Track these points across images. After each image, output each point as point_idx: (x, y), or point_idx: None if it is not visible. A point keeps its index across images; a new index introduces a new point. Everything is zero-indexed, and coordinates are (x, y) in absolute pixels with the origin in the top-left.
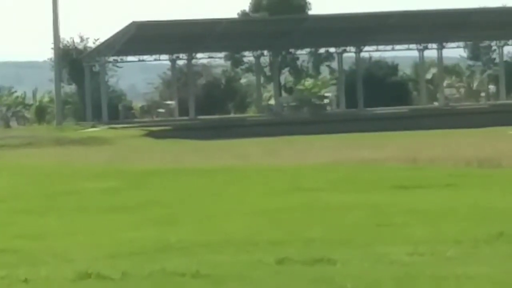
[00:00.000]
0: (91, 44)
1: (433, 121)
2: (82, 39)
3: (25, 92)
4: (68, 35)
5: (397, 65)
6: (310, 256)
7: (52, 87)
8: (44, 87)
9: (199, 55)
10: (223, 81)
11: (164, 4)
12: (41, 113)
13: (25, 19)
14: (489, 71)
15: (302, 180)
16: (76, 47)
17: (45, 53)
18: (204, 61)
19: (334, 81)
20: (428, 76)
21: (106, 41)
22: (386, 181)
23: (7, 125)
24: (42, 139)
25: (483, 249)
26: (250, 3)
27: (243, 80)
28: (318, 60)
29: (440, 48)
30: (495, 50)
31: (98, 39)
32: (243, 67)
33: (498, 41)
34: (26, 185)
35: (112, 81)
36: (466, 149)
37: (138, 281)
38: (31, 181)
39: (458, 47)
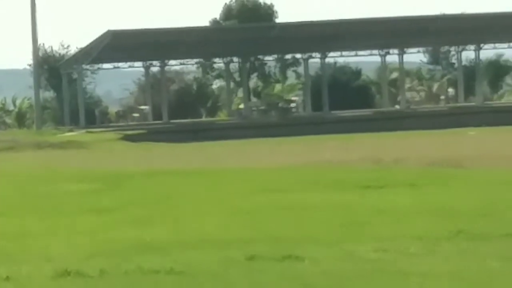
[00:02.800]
0: (73, 52)
1: (395, 123)
2: (63, 47)
3: (5, 98)
4: (48, 43)
5: (360, 70)
6: (279, 253)
7: (31, 93)
8: (23, 93)
9: (171, 62)
10: (195, 86)
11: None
12: (21, 119)
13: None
14: (448, 75)
15: (271, 181)
16: (54, 55)
17: (25, 60)
18: (177, 67)
19: (301, 86)
20: (392, 78)
21: (83, 49)
22: (352, 181)
23: None
24: (22, 143)
25: (444, 246)
26: (221, 12)
27: (214, 86)
28: (284, 66)
29: (401, 53)
30: (454, 55)
31: (81, 47)
32: (214, 73)
33: (456, 47)
34: (6, 188)
35: (89, 87)
36: (427, 150)
37: (115, 279)
38: (12, 183)
39: (418, 52)
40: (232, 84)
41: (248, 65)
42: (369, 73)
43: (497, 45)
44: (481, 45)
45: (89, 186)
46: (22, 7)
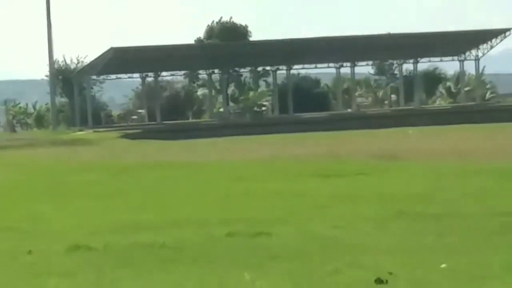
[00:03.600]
0: (82, 65)
1: (347, 123)
2: (78, 61)
3: (26, 104)
4: (61, 57)
5: (319, 80)
6: (252, 231)
7: (48, 99)
8: (42, 99)
9: (163, 73)
10: (183, 94)
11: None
12: (39, 120)
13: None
14: (391, 84)
15: (246, 172)
16: (67, 68)
17: (42, 71)
18: (168, 78)
19: (270, 93)
20: (345, 86)
21: (91, 62)
22: (312, 171)
23: (13, 130)
24: (41, 141)
25: (388, 224)
26: (205, 32)
27: (198, 93)
28: (257, 77)
29: (353, 66)
30: (396, 67)
31: (90, 60)
32: (198, 82)
33: (398, 60)
34: (27, 178)
35: (96, 94)
36: (374, 146)
37: (117, 252)
38: (30, 174)
39: (367, 65)
40: (213, 92)
41: (226, 76)
42: (326, 82)
43: (431, 59)
44: (419, 59)
45: (94, 176)
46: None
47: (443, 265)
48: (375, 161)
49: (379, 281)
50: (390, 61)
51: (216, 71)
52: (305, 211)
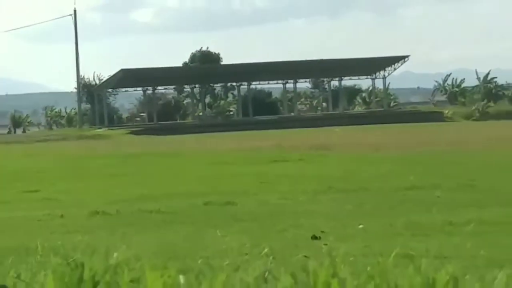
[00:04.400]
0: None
1: (291, 124)
2: (98, 78)
3: (60, 109)
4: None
5: (271, 92)
6: (222, 201)
7: (76, 106)
8: (71, 105)
9: (159, 87)
10: (173, 102)
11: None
12: (69, 121)
13: (56, 64)
14: (322, 95)
15: (220, 158)
16: (89, 83)
17: (72, 85)
18: (162, 91)
19: (235, 102)
20: (289, 97)
21: (106, 79)
22: (266, 158)
23: (51, 128)
24: (70, 136)
25: (320, 196)
26: (189, 57)
27: (184, 102)
28: (226, 90)
29: (295, 82)
30: (326, 83)
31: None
32: (184, 94)
33: (327, 78)
34: (59, 163)
35: (111, 102)
36: (310, 140)
37: (125, 215)
38: (62, 160)
39: (305, 81)
40: (195, 101)
41: (204, 89)
42: (276, 94)
43: (352, 77)
44: (342, 77)
45: (108, 161)
46: (69, 50)
47: (361, 226)
48: (311, 151)
49: (314, 237)
50: (322, 79)
51: (197, 86)
52: (260, 186)
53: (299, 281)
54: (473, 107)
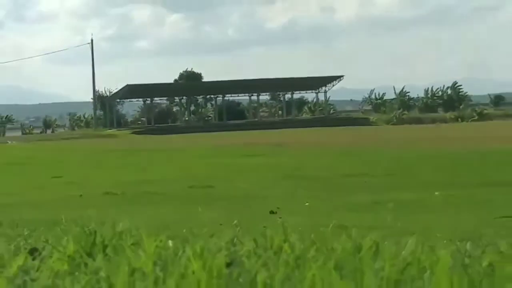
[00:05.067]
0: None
1: (255, 127)
2: (109, 91)
3: (80, 115)
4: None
5: (240, 102)
6: (203, 185)
7: (91, 111)
8: (88, 112)
9: (155, 98)
10: (166, 109)
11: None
12: (87, 124)
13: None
14: (279, 105)
15: (200, 153)
16: (102, 94)
17: (89, 96)
18: (158, 101)
19: (213, 110)
20: (254, 106)
21: (116, 92)
22: (237, 153)
23: (73, 129)
24: (88, 135)
25: (280, 182)
26: (178, 76)
27: (174, 109)
28: (206, 101)
29: (258, 95)
30: (282, 96)
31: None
32: (174, 103)
33: (283, 92)
34: (80, 155)
35: (119, 109)
36: (270, 139)
37: (129, 195)
38: (81, 153)
39: (267, 94)
40: (182, 109)
41: (190, 100)
42: (244, 104)
43: (301, 91)
44: (294, 92)
45: (116, 154)
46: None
47: (307, 204)
48: (271, 147)
49: (272, 212)
50: (278, 92)
51: (184, 97)
52: (233, 174)
53: (259, 244)
54: (392, 115)
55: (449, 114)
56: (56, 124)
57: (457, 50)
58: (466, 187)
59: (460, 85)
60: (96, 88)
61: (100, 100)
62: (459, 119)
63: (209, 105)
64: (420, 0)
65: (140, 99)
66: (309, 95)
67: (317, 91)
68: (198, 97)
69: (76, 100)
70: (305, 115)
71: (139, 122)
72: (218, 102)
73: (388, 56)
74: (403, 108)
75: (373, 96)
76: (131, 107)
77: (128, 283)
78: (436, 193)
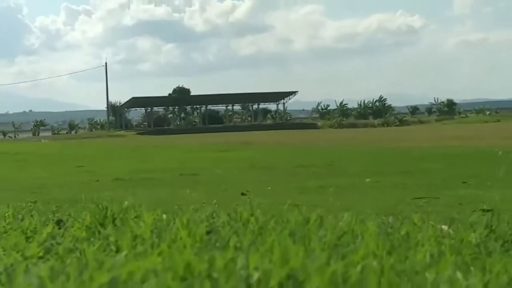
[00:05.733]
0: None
1: (230, 129)
2: (119, 102)
3: (97, 120)
4: (112, 99)
5: (219, 111)
6: (190, 173)
7: (105, 116)
8: (103, 117)
9: (154, 108)
10: (162, 116)
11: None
12: (102, 127)
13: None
14: (248, 113)
15: (189, 148)
16: (114, 104)
17: (103, 105)
18: (156, 109)
19: (198, 116)
20: (230, 114)
21: (124, 102)
22: (216, 148)
23: (91, 130)
24: (103, 135)
25: (247, 170)
26: (172, 90)
27: (169, 116)
28: (193, 109)
29: (233, 105)
30: (250, 106)
31: (124, 102)
32: (169, 111)
33: (251, 104)
34: (96, 150)
35: (126, 116)
36: (241, 138)
37: (133, 181)
38: (99, 149)
39: (239, 105)
40: (175, 116)
41: (181, 109)
42: (221, 112)
43: (265, 103)
44: (260, 103)
45: (124, 149)
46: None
47: (269, 187)
48: (241, 145)
49: (242, 194)
50: (248, 104)
51: (176, 107)
52: (212, 164)
53: (232, 218)
54: (334, 121)
55: (377, 121)
56: (78, 127)
57: (382, 73)
58: (389, 175)
59: (385, 99)
60: (109, 99)
61: (112, 108)
62: (385, 125)
63: (195, 113)
64: (354, 36)
65: (143, 108)
66: (272, 106)
67: (277, 103)
68: (187, 107)
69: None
70: (268, 121)
71: (142, 125)
72: (202, 111)
73: (331, 77)
74: (342, 116)
75: (320, 107)
76: (136, 114)
77: (131, 246)
78: (367, 179)
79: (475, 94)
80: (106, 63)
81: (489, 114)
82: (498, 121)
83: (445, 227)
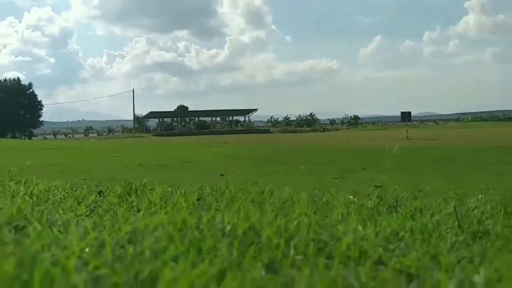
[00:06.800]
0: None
1: (215, 133)
2: (141, 115)
3: (126, 126)
4: (137, 112)
5: (206, 121)
6: (187, 161)
7: (133, 125)
8: (131, 125)
9: (165, 118)
10: (170, 124)
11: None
12: (130, 131)
13: (126, 108)
14: (226, 123)
15: (187, 145)
16: (138, 116)
17: (131, 116)
18: (166, 119)
19: (193, 125)
20: (215, 123)
21: (145, 115)
22: (204, 145)
23: (123, 133)
24: (130, 136)
25: (225, 160)
26: (177, 107)
27: (174, 124)
28: (190, 120)
29: (215, 117)
30: (227, 118)
31: (144, 114)
32: (174, 121)
33: (228, 116)
34: (125, 146)
35: (146, 124)
36: (222, 139)
37: (149, 167)
38: (127, 145)
39: (220, 117)
40: (178, 124)
41: (182, 120)
42: (208, 122)
43: (237, 116)
44: (234, 116)
45: (144, 146)
46: (130, 104)
47: (239, 171)
48: (221, 143)
49: (221, 175)
50: (225, 116)
51: (179, 118)
52: (202, 156)
53: (213, 190)
54: (281, 128)
55: (308, 129)
56: (115, 130)
57: (312, 97)
58: (316, 164)
59: (314, 114)
60: (135, 113)
61: (136, 119)
62: (314, 131)
63: (191, 122)
64: (294, 73)
65: (157, 119)
66: (241, 118)
67: (245, 116)
68: (186, 118)
69: (124, 119)
70: (239, 128)
71: (156, 130)
72: (196, 121)
73: (280, 99)
74: (286, 125)
75: (272, 119)
76: (152, 123)
77: (147, 208)
78: (302, 166)
79: (373, 112)
80: (133, 89)
81: (380, 125)
82: (386, 129)
83: (351, 197)
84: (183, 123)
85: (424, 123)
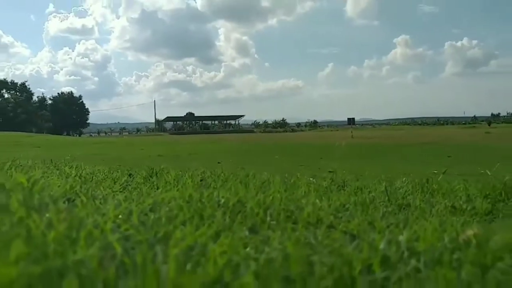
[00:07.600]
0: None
1: (214, 133)
2: (161, 119)
3: (149, 127)
4: (158, 116)
5: (208, 124)
6: (193, 153)
7: (154, 126)
8: (152, 126)
9: (177, 122)
10: (181, 126)
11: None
12: (152, 130)
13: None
14: (222, 125)
15: (194, 142)
16: (158, 120)
17: (152, 119)
18: (178, 123)
19: (198, 126)
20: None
21: (163, 119)
22: (207, 142)
23: (147, 132)
24: (152, 135)
25: (222, 153)
26: (185, 113)
27: (184, 126)
28: (196, 123)
29: (214, 121)
30: (224, 121)
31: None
32: (184, 124)
33: (223, 120)
34: (147, 142)
35: (164, 125)
36: (218, 138)
37: (167, 156)
38: (149, 141)
39: (217, 121)
40: (187, 126)
41: (189, 123)
42: (210, 124)
43: (229, 120)
44: (227, 120)
45: (163, 142)
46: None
47: (231, 160)
48: (219, 140)
49: (218, 162)
50: (221, 120)
51: (188, 121)
52: (205, 150)
53: (212, 173)
54: (261, 129)
55: (281, 130)
56: (141, 130)
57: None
58: (286, 155)
59: (285, 119)
60: (156, 117)
61: (157, 121)
62: (285, 131)
63: (197, 124)
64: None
65: (172, 122)
66: (232, 121)
67: (235, 120)
68: (193, 121)
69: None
70: (231, 129)
71: (171, 130)
72: (200, 124)
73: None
74: (265, 127)
75: (255, 122)
76: (168, 125)
77: (164, 186)
78: (276, 156)
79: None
80: (154, 100)
81: (333, 127)
82: (337, 130)
83: (311, 179)
84: (190, 125)
85: (364, 126)
